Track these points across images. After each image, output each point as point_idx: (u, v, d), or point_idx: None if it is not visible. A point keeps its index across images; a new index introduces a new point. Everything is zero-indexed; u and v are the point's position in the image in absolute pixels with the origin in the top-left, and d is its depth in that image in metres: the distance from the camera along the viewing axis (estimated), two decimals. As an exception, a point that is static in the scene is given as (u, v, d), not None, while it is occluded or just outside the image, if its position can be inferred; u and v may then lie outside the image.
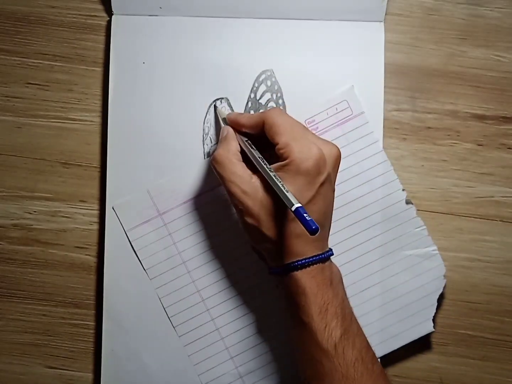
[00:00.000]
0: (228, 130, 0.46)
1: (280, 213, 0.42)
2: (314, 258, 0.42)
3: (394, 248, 0.50)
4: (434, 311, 0.49)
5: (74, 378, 0.52)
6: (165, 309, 0.50)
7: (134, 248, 0.50)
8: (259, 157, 0.42)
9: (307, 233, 0.37)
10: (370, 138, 0.49)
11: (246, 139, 0.45)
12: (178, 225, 0.50)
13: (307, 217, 0.37)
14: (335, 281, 0.43)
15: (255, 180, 0.43)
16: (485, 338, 0.51)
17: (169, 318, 0.50)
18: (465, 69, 0.51)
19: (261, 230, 0.42)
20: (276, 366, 0.50)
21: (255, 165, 0.43)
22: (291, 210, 0.37)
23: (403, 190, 0.49)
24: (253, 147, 0.44)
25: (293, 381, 0.50)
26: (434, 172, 0.51)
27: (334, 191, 0.45)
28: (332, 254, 0.44)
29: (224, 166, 0.43)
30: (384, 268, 0.49)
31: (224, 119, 0.48)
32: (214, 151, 0.45)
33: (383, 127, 0.50)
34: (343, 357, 0.41)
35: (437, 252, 0.49)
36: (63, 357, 0.52)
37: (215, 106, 0.50)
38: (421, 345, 0.50)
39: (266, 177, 0.41)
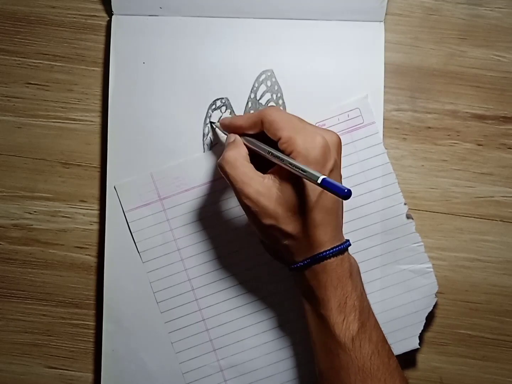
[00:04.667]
0: (235, 136, 0.46)
1: (296, 207, 0.42)
2: (333, 249, 0.42)
3: (389, 260, 0.50)
4: (422, 328, 0.49)
5: (74, 378, 0.52)
6: (154, 294, 0.50)
7: (131, 229, 0.50)
8: (268, 148, 0.42)
9: (335, 201, 0.36)
10: (378, 149, 0.49)
11: (250, 138, 0.45)
12: (177, 212, 0.50)
13: (336, 184, 0.36)
14: (354, 273, 0.44)
15: (267, 181, 0.42)
16: (485, 338, 0.51)
17: (157, 303, 0.50)
18: (465, 69, 0.51)
19: (280, 227, 0.42)
20: (258, 363, 0.50)
21: (263, 165, 0.43)
22: (317, 183, 0.37)
23: (405, 204, 0.49)
24: (261, 142, 0.44)
25: (272, 380, 0.50)
26: (434, 172, 0.51)
27: (341, 177, 0.45)
28: (350, 245, 0.44)
29: (235, 166, 0.43)
30: (377, 279, 0.50)
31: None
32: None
33: (383, 127, 0.50)
34: (360, 350, 0.41)
35: (431, 270, 0.49)
36: (63, 357, 0.52)
37: (211, 122, 0.49)
38: (421, 344, 0.50)
39: (282, 163, 0.41)
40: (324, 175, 0.41)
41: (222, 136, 0.49)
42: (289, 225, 0.42)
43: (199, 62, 0.50)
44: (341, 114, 0.49)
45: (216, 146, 0.50)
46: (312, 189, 0.42)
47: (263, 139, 0.44)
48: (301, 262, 0.43)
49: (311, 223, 0.42)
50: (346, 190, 0.36)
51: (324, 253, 0.42)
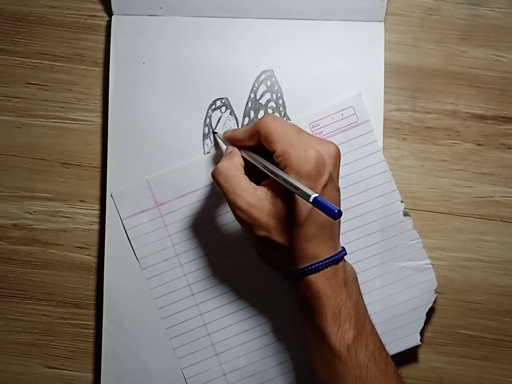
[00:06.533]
0: (233, 148, 0.46)
1: (288, 220, 0.42)
2: (327, 260, 0.42)
3: (388, 258, 0.50)
4: (423, 324, 0.49)
5: (74, 378, 0.52)
6: (154, 300, 0.50)
7: (129, 237, 0.50)
8: (264, 162, 0.42)
9: (330, 218, 0.36)
10: (373, 147, 0.49)
11: (248, 151, 0.45)
12: (174, 217, 0.50)
13: (327, 204, 0.36)
14: (349, 282, 0.43)
15: (260, 193, 0.42)
16: (485, 338, 0.51)
17: (157, 309, 0.50)
18: (465, 69, 0.51)
19: (273, 239, 0.42)
20: (261, 366, 0.50)
21: (259, 176, 0.43)
22: (309, 201, 0.37)
23: (401, 201, 0.49)
24: (257, 155, 0.44)
25: (275, 382, 0.50)
26: (434, 172, 0.51)
27: (339, 189, 0.45)
28: (345, 254, 0.44)
29: (228, 178, 0.43)
30: (377, 277, 0.50)
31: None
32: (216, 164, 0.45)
33: (383, 127, 0.50)
34: (356, 359, 0.41)
35: (430, 266, 0.49)
36: (63, 357, 0.52)
37: (213, 132, 0.50)
38: (421, 345, 0.50)
39: (277, 178, 0.41)
40: (317, 190, 0.41)
41: (223, 146, 0.49)
42: (282, 237, 0.42)
43: (199, 62, 0.50)
44: (335, 113, 0.49)
45: (215, 147, 0.50)
46: (305, 203, 0.41)
47: (262, 149, 0.44)
48: (294, 273, 0.43)
49: (303, 236, 0.42)
50: (336, 211, 0.36)
51: (317, 264, 0.42)
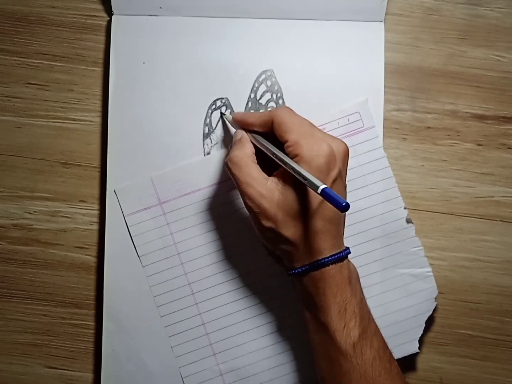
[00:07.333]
0: (242, 133, 0.46)
1: (296, 213, 0.42)
2: (332, 257, 0.42)
3: (389, 264, 0.50)
4: (421, 332, 0.49)
5: (74, 378, 0.52)
6: (154, 298, 0.50)
7: (131, 234, 0.50)
8: (274, 149, 0.42)
9: (337, 211, 0.36)
10: (378, 153, 0.49)
11: (258, 136, 0.45)
12: (177, 216, 0.50)
13: (335, 196, 0.36)
14: (353, 280, 0.43)
15: (270, 183, 0.42)
16: (485, 338, 0.51)
17: (157, 307, 0.50)
18: (465, 69, 0.51)
19: (279, 231, 0.42)
20: (258, 367, 0.50)
21: (269, 162, 0.43)
22: (317, 192, 0.37)
23: (404, 208, 0.49)
24: (268, 142, 0.44)
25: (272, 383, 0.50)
26: (434, 172, 0.51)
27: (346, 187, 0.45)
28: (350, 253, 0.44)
29: (241, 167, 0.43)
30: (377, 283, 0.50)
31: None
32: (229, 153, 0.45)
33: (383, 127, 0.50)
34: (361, 357, 0.41)
35: (431, 274, 0.49)
36: (63, 357, 0.52)
37: (221, 113, 0.49)
38: (421, 345, 0.50)
39: (285, 166, 0.41)
40: (326, 184, 0.41)
41: (230, 127, 0.49)
42: (288, 230, 0.42)
43: (199, 62, 0.50)
44: (341, 118, 0.49)
45: (215, 147, 0.50)
46: (314, 196, 0.41)
47: (272, 139, 0.44)
48: (299, 268, 0.43)
49: (310, 230, 0.42)
50: (344, 204, 0.36)
51: (323, 260, 0.42)
